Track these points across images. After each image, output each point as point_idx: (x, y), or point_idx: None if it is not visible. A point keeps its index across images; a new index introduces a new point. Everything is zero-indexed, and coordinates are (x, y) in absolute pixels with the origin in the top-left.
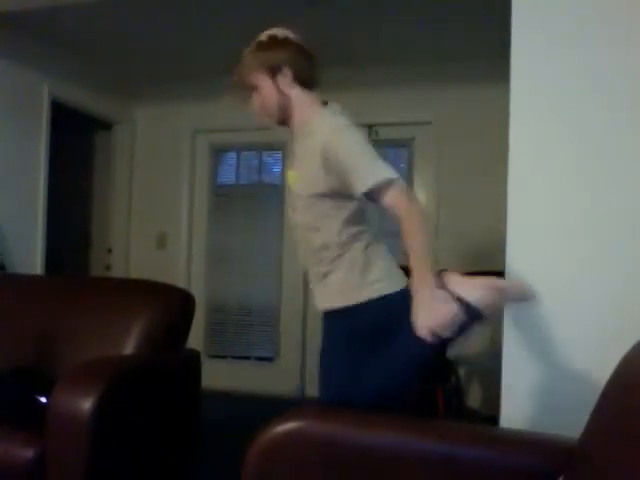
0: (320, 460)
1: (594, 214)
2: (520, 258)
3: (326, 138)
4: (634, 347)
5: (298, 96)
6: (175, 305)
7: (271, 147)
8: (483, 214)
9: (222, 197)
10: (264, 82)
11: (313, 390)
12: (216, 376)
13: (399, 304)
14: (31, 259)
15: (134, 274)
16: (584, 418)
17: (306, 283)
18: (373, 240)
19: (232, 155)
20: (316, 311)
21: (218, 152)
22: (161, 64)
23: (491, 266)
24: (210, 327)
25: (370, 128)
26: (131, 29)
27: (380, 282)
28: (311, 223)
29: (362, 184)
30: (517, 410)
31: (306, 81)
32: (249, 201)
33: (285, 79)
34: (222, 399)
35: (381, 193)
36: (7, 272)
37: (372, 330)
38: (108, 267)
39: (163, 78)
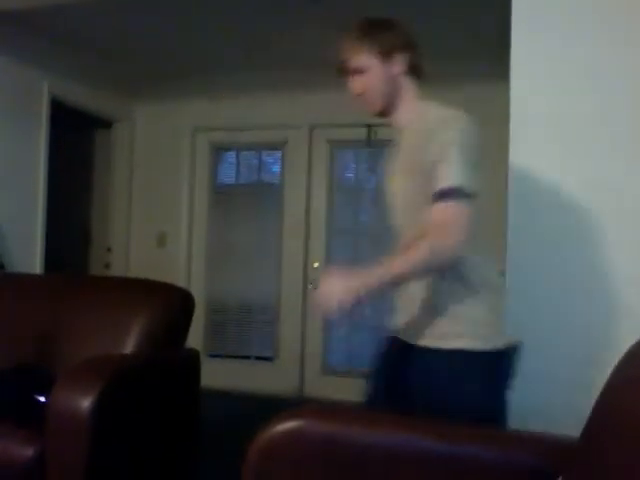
0: (320, 459)
1: (593, 214)
2: (520, 261)
3: (431, 124)
4: (633, 345)
5: (408, 86)
6: (175, 304)
7: (271, 146)
8: (483, 213)
9: (222, 196)
10: (373, 65)
11: (312, 390)
12: (216, 375)
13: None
14: (31, 258)
15: (134, 273)
16: (584, 417)
17: (305, 282)
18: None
19: (232, 154)
20: (314, 311)
21: (218, 151)
22: (161, 62)
23: None
24: (210, 326)
25: (369, 128)
26: (131, 27)
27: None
28: None
29: (446, 181)
30: (516, 409)
31: (416, 71)
32: (249, 200)
33: (396, 66)
34: (221, 398)
35: (441, 200)
36: (7, 271)
37: None
38: (108, 266)
39: (163, 76)
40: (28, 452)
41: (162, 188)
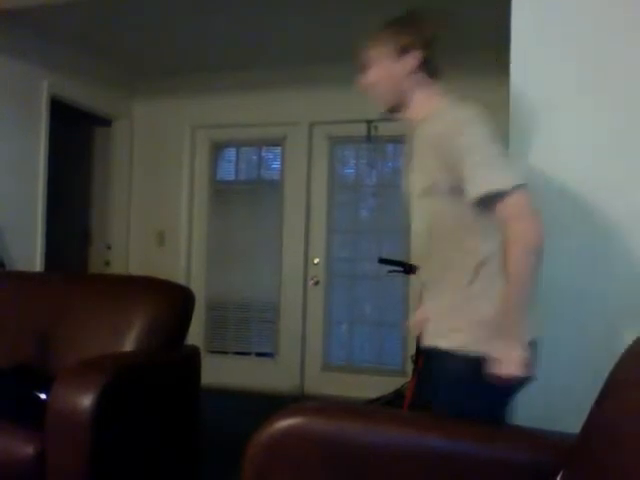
0: (320, 456)
1: (595, 212)
2: None
3: (446, 126)
4: (633, 344)
5: (421, 84)
6: (175, 301)
7: (270, 143)
8: None
9: (222, 193)
10: (387, 60)
11: (312, 386)
12: (216, 372)
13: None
14: (30, 256)
15: (133, 270)
16: (584, 414)
17: (306, 279)
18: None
19: (231, 151)
20: (314, 308)
21: (217, 148)
22: (160, 59)
23: None
24: (210, 323)
25: (369, 124)
26: (131, 25)
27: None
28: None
29: (473, 190)
30: (518, 406)
31: (433, 69)
32: (249, 197)
33: (412, 63)
34: (222, 395)
35: (496, 204)
36: (6, 269)
37: None
38: (108, 263)
39: (163, 74)
40: (28, 450)
41: (162, 185)
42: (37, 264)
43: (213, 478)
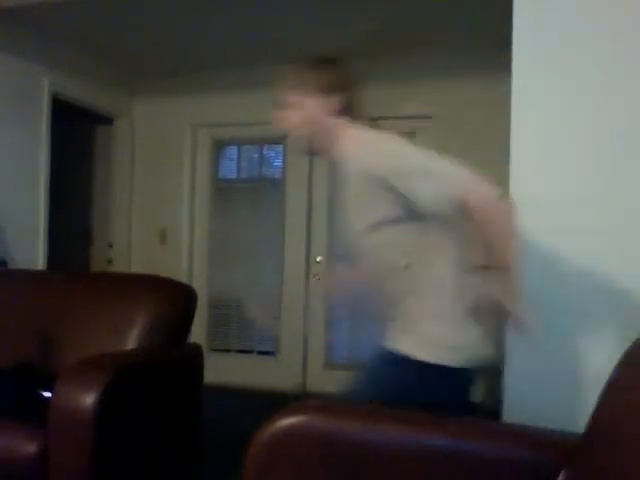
0: (322, 454)
1: (599, 204)
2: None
3: (371, 157)
4: (633, 345)
5: (344, 125)
6: (177, 299)
7: (272, 141)
8: None
9: (223, 191)
10: (309, 102)
11: (315, 384)
12: (218, 370)
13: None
14: (33, 254)
15: (136, 269)
16: (587, 413)
17: (308, 277)
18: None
19: (233, 149)
20: (316, 305)
21: (219, 146)
22: (162, 58)
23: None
24: (212, 321)
25: (371, 121)
26: (131, 24)
27: None
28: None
29: (421, 203)
30: (520, 404)
31: (354, 110)
32: (250, 195)
33: (332, 105)
34: (224, 393)
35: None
36: (8, 268)
37: None
38: (110, 262)
39: (164, 72)
40: (31, 448)
41: (163, 184)
42: (39, 263)
43: (214, 477)
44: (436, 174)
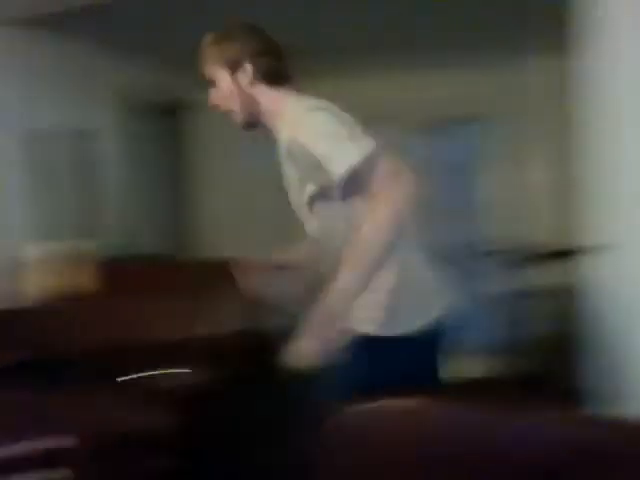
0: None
1: None
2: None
3: (292, 127)
4: None
5: (264, 95)
6: None
7: None
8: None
9: None
10: (223, 78)
11: None
12: None
13: None
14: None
15: None
16: None
17: None
18: None
19: None
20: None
21: None
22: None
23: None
24: None
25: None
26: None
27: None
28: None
29: (335, 174)
30: None
31: (274, 77)
32: None
33: (246, 76)
34: None
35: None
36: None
37: None
38: None
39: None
40: None
41: None
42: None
43: None
44: (341, 150)
